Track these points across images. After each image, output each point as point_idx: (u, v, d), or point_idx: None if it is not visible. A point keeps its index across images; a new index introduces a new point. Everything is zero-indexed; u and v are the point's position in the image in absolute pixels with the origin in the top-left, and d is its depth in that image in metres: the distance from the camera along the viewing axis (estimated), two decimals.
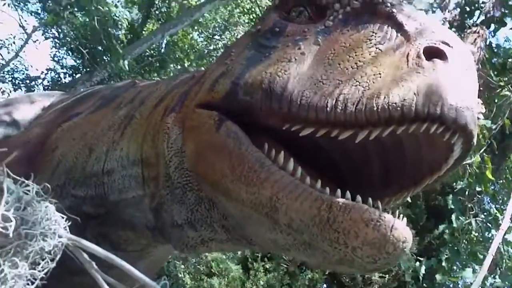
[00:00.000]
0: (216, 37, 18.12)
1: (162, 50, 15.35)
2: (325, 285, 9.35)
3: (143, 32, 15.79)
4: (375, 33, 1.93)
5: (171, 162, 2.19)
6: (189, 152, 2.12)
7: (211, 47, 17.58)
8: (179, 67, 16.14)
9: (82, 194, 2.61)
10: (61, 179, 2.70)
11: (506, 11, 7.18)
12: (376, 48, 1.88)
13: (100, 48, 13.82)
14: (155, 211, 2.37)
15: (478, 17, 7.50)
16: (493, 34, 7.30)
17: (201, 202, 2.13)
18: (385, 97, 1.69)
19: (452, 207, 7.86)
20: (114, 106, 2.89)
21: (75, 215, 2.38)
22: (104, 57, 13.90)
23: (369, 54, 1.87)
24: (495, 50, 6.99)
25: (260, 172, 1.83)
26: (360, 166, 2.11)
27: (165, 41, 15.04)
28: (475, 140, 1.80)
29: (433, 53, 1.76)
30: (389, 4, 2.00)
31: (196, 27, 17.11)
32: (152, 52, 15.24)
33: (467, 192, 8.52)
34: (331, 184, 1.80)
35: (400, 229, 1.67)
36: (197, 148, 2.08)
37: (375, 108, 1.69)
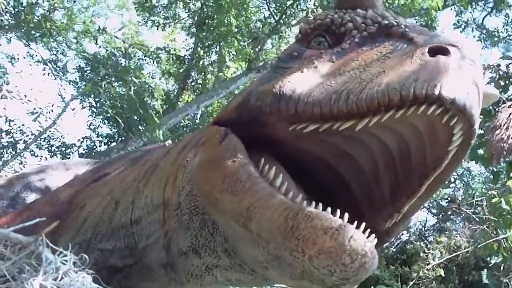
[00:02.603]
0: None
1: (197, 121, 15.51)
2: None
3: (179, 102, 16.04)
4: (387, 47, 1.99)
5: (183, 190, 2.22)
6: (195, 165, 2.16)
7: None
8: None
9: (110, 247, 2.62)
10: (88, 234, 2.72)
11: None
12: (386, 56, 1.93)
13: (135, 117, 14.03)
14: (167, 247, 2.37)
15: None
16: None
17: (205, 226, 2.14)
18: (385, 85, 1.72)
19: (487, 282, 7.76)
20: (141, 164, 2.92)
21: (101, 269, 2.57)
22: (140, 127, 14.08)
23: (378, 61, 1.92)
24: None
25: (245, 183, 1.84)
26: (371, 185, 2.10)
27: (200, 112, 15.19)
28: (476, 126, 1.77)
29: (437, 50, 1.78)
30: (402, 26, 2.07)
31: (230, 99, 17.30)
32: (187, 122, 15.40)
33: (502, 267, 8.35)
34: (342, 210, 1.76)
35: (360, 241, 1.60)
36: (199, 160, 2.13)
37: (375, 95, 1.71)
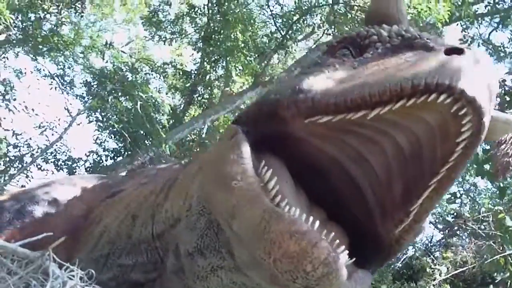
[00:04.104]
0: None
1: (204, 135, 15.51)
2: None
3: (185, 117, 16.06)
4: (407, 55, 2.04)
5: (196, 192, 2.27)
6: (205, 163, 2.25)
7: None
8: None
9: (131, 262, 2.63)
10: (105, 249, 2.75)
11: None
12: (405, 60, 1.97)
13: (142, 132, 14.03)
14: (175, 251, 2.41)
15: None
16: None
17: (211, 226, 2.16)
18: (398, 77, 1.77)
19: None
20: (157, 179, 2.99)
21: (121, 284, 2.62)
22: (146, 141, 14.08)
23: (398, 63, 1.96)
24: None
25: (237, 181, 1.87)
26: (384, 189, 2.10)
27: (206, 127, 15.20)
28: (486, 120, 1.77)
29: (452, 50, 1.82)
30: (425, 39, 2.13)
31: (237, 113, 17.31)
32: (193, 137, 15.42)
33: (508, 283, 8.32)
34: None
35: (324, 249, 1.60)
36: (209, 158, 2.21)
37: (388, 85, 1.76)
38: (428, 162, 1.97)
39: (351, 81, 1.94)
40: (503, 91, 8.12)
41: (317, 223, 1.71)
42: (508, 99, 7.99)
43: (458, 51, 1.80)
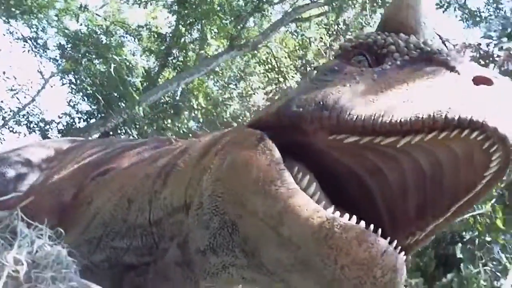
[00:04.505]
0: (231, 86, 18.30)
1: (177, 98, 15.44)
2: None
3: (159, 79, 15.95)
4: (428, 72, 2.02)
5: (206, 191, 2.24)
6: (225, 166, 2.18)
7: (226, 96, 17.69)
8: (193, 114, 16.23)
9: (125, 246, 2.63)
10: (98, 231, 2.72)
11: None
12: (428, 79, 1.96)
13: (115, 94, 13.97)
14: (182, 246, 2.42)
15: (493, 70, 7.46)
16: None
17: (224, 226, 2.15)
18: (430, 107, 1.76)
19: (461, 256, 7.85)
20: (150, 161, 2.94)
21: (113, 266, 2.65)
22: (119, 103, 14.00)
23: (420, 82, 1.95)
24: None
25: (279, 187, 1.90)
26: (397, 202, 2.11)
27: (180, 89, 15.13)
28: None
29: (482, 80, 1.83)
30: (444, 54, 2.09)
31: (212, 76, 17.29)
32: (167, 99, 15.35)
33: (477, 242, 8.45)
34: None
35: (392, 256, 1.69)
36: (231, 161, 2.14)
37: (420, 116, 1.75)
38: (449, 186, 1.99)
39: (377, 100, 1.94)
40: (478, 55, 8.15)
41: (379, 230, 1.75)
42: (483, 62, 8.01)
43: (487, 82, 1.82)
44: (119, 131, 14.44)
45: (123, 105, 13.56)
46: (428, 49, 2.18)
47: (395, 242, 1.75)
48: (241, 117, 16.29)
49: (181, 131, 14.55)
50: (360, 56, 2.30)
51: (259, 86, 17.39)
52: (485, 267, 8.38)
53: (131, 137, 12.93)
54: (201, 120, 16.05)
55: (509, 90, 1.85)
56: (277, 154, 2.02)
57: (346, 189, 2.18)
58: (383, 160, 2.07)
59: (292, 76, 16.14)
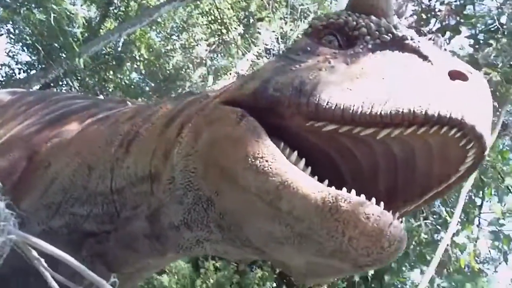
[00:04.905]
0: (174, 37, 18.08)
1: (119, 49, 15.28)
2: (274, 284, 9.35)
3: (101, 30, 15.69)
4: (402, 59, 2.07)
5: (177, 166, 2.24)
6: (203, 142, 2.17)
7: (169, 47, 17.55)
8: (135, 66, 16.12)
9: (85, 212, 2.59)
10: (57, 197, 2.64)
11: (461, 20, 7.35)
12: (403, 69, 2.00)
13: (56, 45, 13.69)
14: (150, 218, 2.41)
15: (434, 25, 7.75)
16: (448, 42, 7.40)
17: (199, 201, 2.18)
18: (411, 102, 1.81)
19: None
20: (108, 124, 2.86)
21: (72, 232, 2.58)
22: (60, 54, 13.78)
23: (397, 72, 1.99)
24: None
25: (272, 163, 1.92)
26: (368, 184, 2.16)
27: (122, 40, 14.97)
28: (486, 154, 1.93)
29: (457, 75, 1.90)
30: (416, 41, 2.14)
31: (154, 27, 17.07)
32: (109, 50, 15.17)
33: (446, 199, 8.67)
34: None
35: (398, 228, 1.79)
36: (213, 138, 2.13)
37: (400, 109, 1.81)
38: (421, 174, 2.06)
39: (354, 88, 1.96)
40: (420, 9, 8.23)
41: (382, 203, 1.83)
42: (424, 17, 8.10)
43: (462, 77, 1.89)
44: (60, 83, 14.26)
45: (64, 56, 13.37)
46: (399, 34, 2.20)
47: (397, 213, 1.84)
48: (184, 69, 16.29)
49: (123, 83, 14.50)
50: (330, 36, 2.30)
51: (202, 38, 17.23)
52: (426, 221, 8.78)
53: (72, 89, 12.89)
54: (143, 71, 15.96)
55: (482, 86, 1.93)
56: (262, 131, 2.03)
57: (317, 168, 2.14)
58: (355, 143, 2.12)
59: (235, 28, 16.07)
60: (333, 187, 1.85)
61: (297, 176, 1.89)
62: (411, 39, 2.16)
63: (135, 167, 2.51)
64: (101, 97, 11.42)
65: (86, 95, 6.16)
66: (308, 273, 2.11)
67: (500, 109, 6.89)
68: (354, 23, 2.26)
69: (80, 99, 3.51)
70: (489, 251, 10.14)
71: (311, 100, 1.95)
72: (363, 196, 1.83)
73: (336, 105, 1.90)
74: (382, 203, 1.83)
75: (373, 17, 2.28)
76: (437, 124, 1.80)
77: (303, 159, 1.99)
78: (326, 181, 1.89)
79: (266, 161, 1.92)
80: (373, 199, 1.82)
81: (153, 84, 16.01)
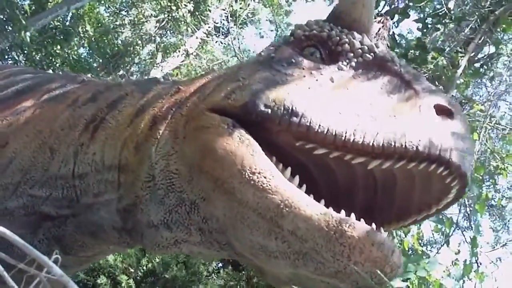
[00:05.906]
0: (123, 13, 17.84)
1: (67, 23, 15.02)
2: (220, 264, 9.44)
3: (48, 3, 15.39)
4: (386, 83, 2.17)
5: (157, 165, 2.28)
6: (189, 147, 2.19)
7: (118, 23, 17.34)
8: (83, 41, 15.89)
9: (44, 195, 2.58)
10: (15, 177, 2.62)
11: (410, 3, 7.37)
12: (388, 95, 2.11)
13: (2, 17, 13.36)
14: (123, 212, 2.44)
15: (383, 8, 7.73)
16: (396, 25, 7.47)
17: (182, 204, 2.22)
18: (402, 136, 1.92)
19: None
20: (68, 103, 2.80)
21: (30, 214, 2.58)
22: (6, 27, 13.48)
23: (383, 98, 2.09)
24: (398, 41, 7.26)
25: (270, 179, 1.98)
26: (344, 200, 2.25)
27: (70, 14, 14.73)
28: (467, 189, 2.08)
29: (443, 110, 2.02)
30: (397, 64, 2.25)
31: (103, 2, 16.80)
32: (56, 24, 14.90)
33: None
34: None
35: (398, 256, 1.89)
36: (204, 145, 2.14)
37: (392, 143, 1.91)
38: (400, 199, 2.17)
39: (345, 112, 2.01)
40: None
41: (382, 230, 1.92)
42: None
43: (448, 113, 2.00)
44: (6, 56, 13.98)
45: (10, 29, 13.10)
46: (381, 55, 2.28)
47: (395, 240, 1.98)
48: (132, 45, 16.15)
49: (71, 58, 14.30)
50: (312, 48, 2.35)
51: (151, 14, 17.10)
52: None
53: (18, 64, 12.69)
54: (91, 46, 15.70)
55: (465, 124, 2.04)
56: (256, 145, 2.07)
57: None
58: (336, 161, 2.16)
59: (184, 5, 15.98)
60: (331, 208, 1.93)
61: (296, 195, 1.95)
62: (392, 61, 2.26)
63: (101, 154, 2.53)
64: (50, 71, 11.32)
65: (34, 69, 5.94)
66: (290, 282, 2.15)
67: (446, 93, 7.12)
68: (337, 38, 2.34)
69: (30, 73, 3.45)
70: (432, 234, 10.48)
71: (303, 122, 2.02)
72: (362, 221, 1.91)
73: (328, 130, 1.98)
74: (381, 228, 1.94)
75: (356, 34, 2.36)
76: (426, 161, 1.92)
77: (297, 176, 2.06)
78: (323, 201, 1.97)
79: (264, 177, 1.99)
80: (373, 225, 1.91)
81: (101, 60, 15.83)
